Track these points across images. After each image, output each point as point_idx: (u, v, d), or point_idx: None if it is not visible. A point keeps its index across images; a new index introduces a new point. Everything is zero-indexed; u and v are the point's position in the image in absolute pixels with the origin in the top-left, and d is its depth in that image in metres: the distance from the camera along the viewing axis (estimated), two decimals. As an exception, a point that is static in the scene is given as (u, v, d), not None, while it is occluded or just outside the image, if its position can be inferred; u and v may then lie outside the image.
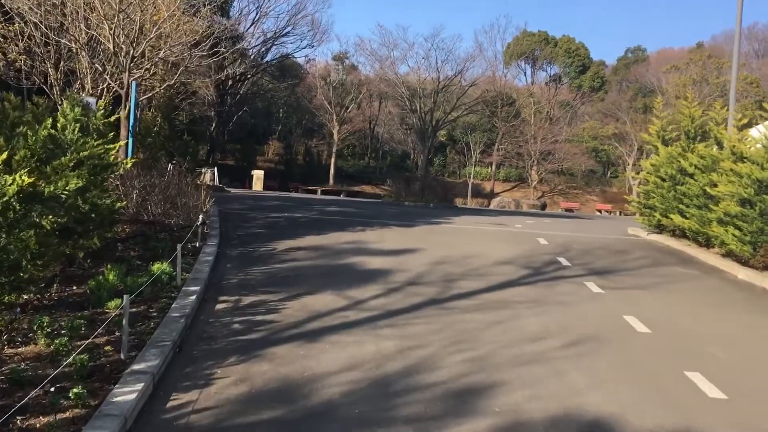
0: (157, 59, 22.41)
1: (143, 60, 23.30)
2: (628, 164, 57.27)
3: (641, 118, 57.70)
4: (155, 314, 6.48)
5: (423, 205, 25.78)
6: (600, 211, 53.92)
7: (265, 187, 45.08)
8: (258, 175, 38.30)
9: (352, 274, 9.25)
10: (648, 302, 8.62)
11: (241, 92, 53.15)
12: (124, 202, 9.19)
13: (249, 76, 52.35)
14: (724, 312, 8.57)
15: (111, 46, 21.61)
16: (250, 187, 38.40)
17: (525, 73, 67.14)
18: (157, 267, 7.62)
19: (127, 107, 18.28)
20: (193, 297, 7.00)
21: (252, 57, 52.28)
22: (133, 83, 19.13)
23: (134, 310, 6.28)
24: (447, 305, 7.80)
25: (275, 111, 61.39)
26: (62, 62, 25.28)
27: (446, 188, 30.21)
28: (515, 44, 64.91)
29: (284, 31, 49.63)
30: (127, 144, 18.62)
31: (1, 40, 23.16)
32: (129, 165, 10.08)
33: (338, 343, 6.07)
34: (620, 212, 52.53)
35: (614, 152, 62.34)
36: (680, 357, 6.28)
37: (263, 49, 51.11)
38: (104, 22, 21.15)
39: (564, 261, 11.25)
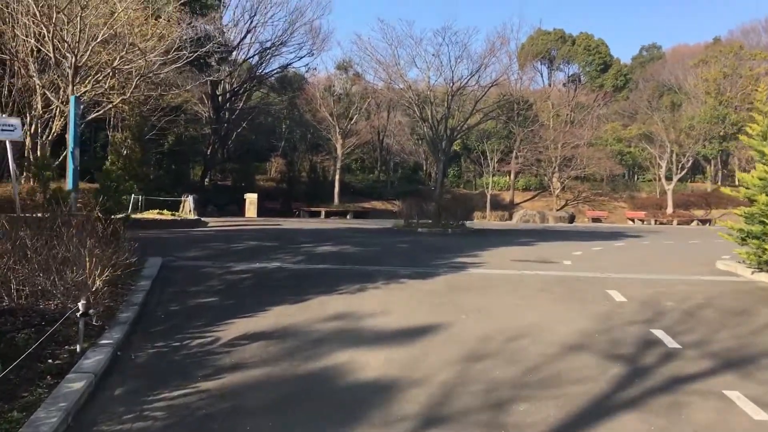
0: (108, 69, 18.80)
1: (92, 70, 19.81)
2: (661, 167, 52.86)
3: (669, 117, 53.48)
4: None
5: (440, 231, 21.96)
6: (632, 220, 49.56)
7: (266, 210, 41.26)
8: (251, 199, 34.39)
9: (330, 398, 5.36)
10: None
11: (238, 107, 49.59)
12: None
13: (246, 88, 48.83)
14: None
15: (51, 54, 18.03)
16: (244, 214, 34.65)
17: (541, 74, 62.94)
18: None
19: (59, 127, 14.72)
20: None
21: (248, 68, 48.83)
22: (72, 97, 15.38)
23: None
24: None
25: (277, 126, 57.82)
26: (6, 78, 21.78)
27: (464, 204, 26.27)
28: (530, 44, 60.93)
29: (282, 40, 46.04)
30: (75, 171, 15.03)
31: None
32: None
33: None
34: (655, 220, 48.17)
35: (641, 155, 58.05)
36: None
37: (260, 59, 47.57)
38: (40, 24, 17.59)
39: (666, 338, 7.27)
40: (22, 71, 19.18)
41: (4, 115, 15.86)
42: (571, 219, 44.92)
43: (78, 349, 5.97)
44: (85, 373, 5.44)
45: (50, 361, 5.67)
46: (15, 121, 13.35)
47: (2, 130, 13.02)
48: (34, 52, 19.38)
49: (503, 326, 7.64)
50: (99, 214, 8.73)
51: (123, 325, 6.89)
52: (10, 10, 17.87)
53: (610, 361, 6.48)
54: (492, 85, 25.63)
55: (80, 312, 5.96)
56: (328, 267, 11.46)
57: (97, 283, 6.31)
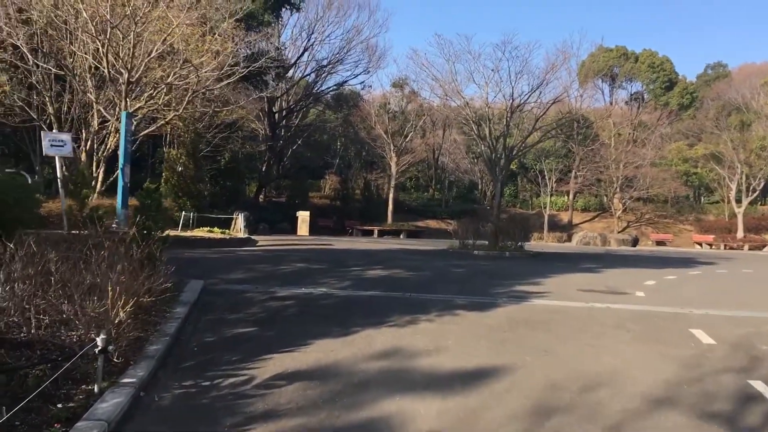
0: (162, 85, 18.69)
1: (147, 86, 19.75)
2: (731, 189, 50.23)
3: (738, 137, 50.85)
4: None
5: (497, 254, 20.94)
6: (700, 244, 47.10)
7: (318, 228, 40.93)
8: (303, 216, 34.02)
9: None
10: None
11: (294, 124, 49.70)
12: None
13: (302, 106, 48.91)
14: None
15: (106, 70, 18.04)
16: (296, 232, 34.31)
17: (602, 92, 61.06)
18: None
19: (115, 143, 14.49)
20: None
21: (304, 85, 48.93)
22: (123, 113, 15.20)
23: None
24: None
25: (332, 143, 57.76)
26: (65, 94, 21.93)
27: (522, 225, 25.14)
28: (591, 61, 59.21)
29: (338, 58, 45.99)
30: (124, 187, 14.78)
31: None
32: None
33: None
34: (724, 245, 45.58)
35: (708, 176, 55.39)
36: None
37: (317, 77, 47.63)
38: (96, 40, 17.59)
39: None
40: (79, 87, 19.28)
41: (54, 131, 15.83)
42: (635, 242, 42.95)
43: (95, 389, 5.35)
44: (98, 421, 4.79)
45: (61, 404, 5.06)
46: (65, 136, 13.21)
47: (52, 145, 12.92)
48: (92, 69, 19.50)
49: (575, 372, 6.69)
50: (136, 234, 8.20)
51: (150, 359, 6.26)
52: (68, 27, 18.02)
53: (705, 421, 5.47)
54: (554, 102, 24.53)
55: (98, 348, 5.35)
56: (378, 294, 10.69)
57: (120, 315, 5.69)
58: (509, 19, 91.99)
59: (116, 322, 5.71)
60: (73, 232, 8.31)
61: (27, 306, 6.01)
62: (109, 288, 5.62)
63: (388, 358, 6.93)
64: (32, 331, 5.96)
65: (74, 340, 6.15)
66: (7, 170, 9.34)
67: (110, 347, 5.47)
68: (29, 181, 9.34)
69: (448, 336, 7.86)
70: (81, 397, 5.29)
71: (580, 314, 9.57)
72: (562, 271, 16.20)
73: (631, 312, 10.07)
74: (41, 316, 6.06)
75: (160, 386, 5.84)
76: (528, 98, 23.30)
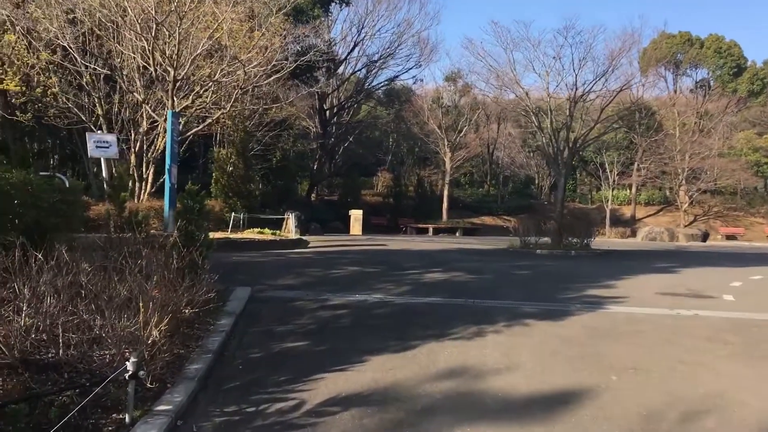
0: (210, 83, 18.24)
1: (196, 85, 19.35)
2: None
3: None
4: None
5: (562, 253, 19.80)
6: (774, 238, 44.47)
7: (372, 227, 40.29)
8: (356, 215, 33.40)
9: None
10: None
11: (345, 121, 49.26)
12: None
13: (353, 102, 48.41)
14: None
15: (152, 68, 17.69)
16: (349, 231, 33.69)
17: (665, 79, 58.44)
18: None
19: (165, 144, 14.10)
20: None
21: (355, 81, 48.41)
22: (169, 112, 14.80)
23: None
24: None
25: (384, 139, 57.12)
26: (115, 95, 21.79)
27: (586, 221, 23.81)
28: (653, 48, 56.64)
29: (389, 52, 45.26)
30: (171, 188, 14.38)
31: (39, 73, 20.01)
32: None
33: None
34: (803, 239, 42.89)
35: (784, 166, 52.31)
36: None
37: (367, 72, 47.04)
38: (142, 39, 17.23)
39: None
40: (126, 87, 19.12)
41: (99, 132, 15.60)
42: (705, 237, 40.73)
43: (127, 419, 4.75)
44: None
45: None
46: (111, 137, 12.89)
47: (97, 147, 12.62)
48: (140, 69, 19.34)
49: (670, 396, 5.74)
50: (178, 240, 7.64)
51: (190, 381, 5.64)
52: (115, 26, 17.86)
53: None
54: (621, 90, 23.10)
55: (129, 373, 4.74)
56: (438, 301, 9.88)
57: (154, 333, 5.07)
58: (564, 4, 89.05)
59: (150, 342, 5.09)
60: (116, 235, 7.80)
61: (55, 323, 5.46)
62: (141, 305, 5.00)
63: (455, 378, 6.14)
64: (60, 352, 5.40)
65: (107, 360, 5.58)
66: (41, 173, 8.91)
67: (141, 372, 4.85)
68: (67, 184, 8.88)
69: (520, 350, 7.00)
70: (110, 428, 4.70)
71: (665, 323, 8.54)
72: (634, 272, 15.03)
73: (724, 320, 8.96)
74: (70, 334, 5.50)
75: (200, 413, 5.21)
76: (592, 86, 22.01)
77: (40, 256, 5.66)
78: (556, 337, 7.56)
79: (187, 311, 6.90)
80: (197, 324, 7.26)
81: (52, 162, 26.41)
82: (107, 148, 12.60)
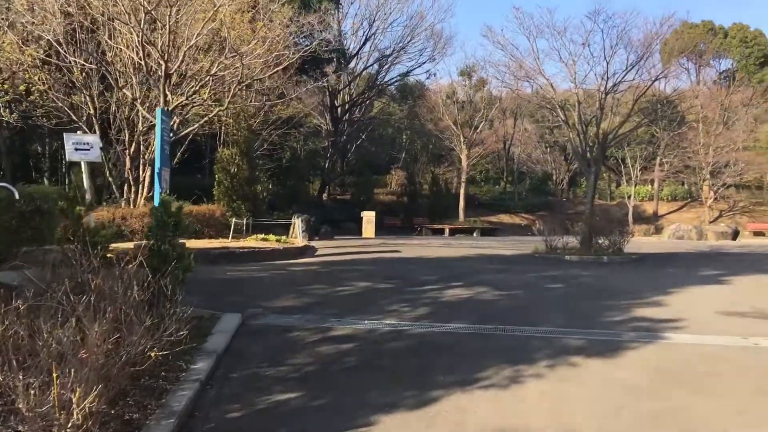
0: (206, 77, 16.74)
1: (192, 80, 17.84)
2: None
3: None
4: None
5: (593, 259, 18.17)
6: (807, 235, 42.40)
7: (386, 227, 38.73)
8: (368, 217, 31.85)
9: None
10: None
11: (357, 118, 47.79)
12: None
13: (365, 98, 46.93)
14: None
15: (141, 60, 16.11)
16: (361, 233, 32.12)
17: (688, 71, 56.40)
18: None
19: (155, 143, 12.68)
20: None
21: (367, 77, 46.96)
22: (158, 110, 13.35)
23: None
24: None
25: (397, 136, 55.62)
26: (111, 94, 20.35)
27: (618, 222, 22.18)
28: (675, 38, 54.43)
29: (402, 45, 43.75)
30: (160, 196, 12.96)
31: (26, 68, 18.64)
32: None
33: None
34: (838, 236, 40.79)
35: (809, 159, 50.13)
36: None
37: (380, 68, 45.54)
38: (131, 32, 15.75)
39: None
40: (116, 84, 17.73)
41: (79, 132, 14.23)
42: (735, 235, 38.76)
43: None
44: None
45: None
46: (92, 138, 11.49)
47: (76, 149, 11.20)
48: (135, 64, 17.95)
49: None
50: (145, 263, 6.19)
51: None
52: (104, 16, 16.47)
53: None
54: (656, 79, 21.41)
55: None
56: (461, 328, 8.32)
57: (75, 415, 3.58)
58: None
59: (69, 425, 3.61)
60: (62, 259, 6.37)
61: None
62: (55, 375, 3.52)
63: (492, 456, 4.62)
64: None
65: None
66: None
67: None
68: (16, 196, 7.42)
69: (573, 405, 5.44)
70: None
71: (747, 362, 6.93)
72: (681, 283, 13.37)
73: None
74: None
75: None
76: (625, 75, 20.25)
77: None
78: (615, 384, 6.00)
79: (152, 354, 5.42)
80: (164, 371, 5.81)
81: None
82: (88, 150, 11.22)
